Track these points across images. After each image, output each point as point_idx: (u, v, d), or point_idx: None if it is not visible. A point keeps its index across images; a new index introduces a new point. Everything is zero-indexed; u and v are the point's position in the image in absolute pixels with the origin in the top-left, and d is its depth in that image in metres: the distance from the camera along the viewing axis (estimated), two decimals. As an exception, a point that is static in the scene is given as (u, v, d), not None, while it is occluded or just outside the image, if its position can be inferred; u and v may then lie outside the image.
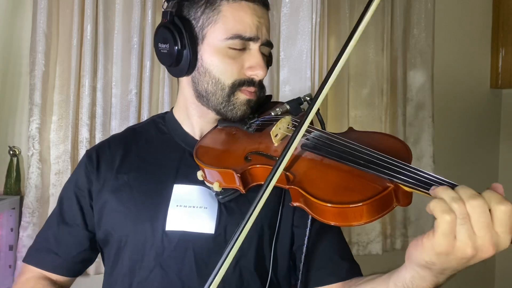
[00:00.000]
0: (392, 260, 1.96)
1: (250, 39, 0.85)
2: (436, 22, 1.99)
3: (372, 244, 1.93)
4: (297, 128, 0.70)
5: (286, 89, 1.80)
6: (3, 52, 1.67)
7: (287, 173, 0.72)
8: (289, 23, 1.80)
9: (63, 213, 0.97)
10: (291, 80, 1.80)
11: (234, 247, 0.64)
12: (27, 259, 0.97)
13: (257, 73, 0.86)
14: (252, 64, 0.86)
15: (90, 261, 1.00)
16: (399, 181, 0.60)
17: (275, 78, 1.78)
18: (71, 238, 0.95)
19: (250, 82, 0.87)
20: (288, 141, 0.69)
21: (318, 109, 0.87)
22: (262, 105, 0.95)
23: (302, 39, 1.79)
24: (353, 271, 0.87)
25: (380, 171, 0.62)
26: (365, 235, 1.94)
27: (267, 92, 0.97)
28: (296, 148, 0.77)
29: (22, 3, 1.67)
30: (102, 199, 0.92)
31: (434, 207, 0.54)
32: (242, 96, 0.87)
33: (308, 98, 0.90)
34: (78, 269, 0.98)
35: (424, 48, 1.98)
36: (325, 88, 0.68)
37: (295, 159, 0.75)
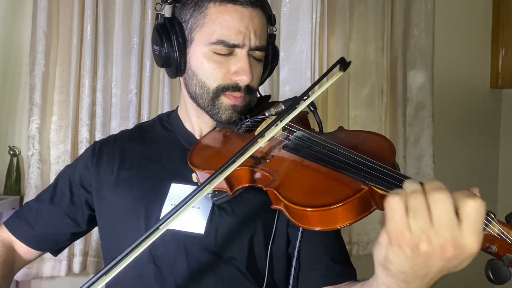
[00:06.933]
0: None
1: (235, 45, 0.84)
2: (436, 22, 1.99)
3: (372, 244, 1.93)
4: (255, 137, 0.71)
5: (286, 89, 1.80)
6: (3, 52, 1.67)
7: (267, 174, 0.72)
8: (289, 23, 1.80)
9: (53, 192, 1.01)
10: (291, 80, 1.80)
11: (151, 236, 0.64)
12: (6, 223, 1.02)
13: (242, 79, 0.85)
14: (237, 69, 0.85)
15: (61, 243, 1.03)
16: (371, 183, 0.59)
17: (275, 78, 1.77)
18: (50, 217, 0.99)
19: (235, 87, 0.86)
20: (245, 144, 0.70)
21: (316, 109, 0.87)
22: (260, 105, 0.95)
23: (302, 39, 1.79)
24: (346, 275, 0.84)
25: (353, 173, 0.62)
26: (365, 235, 1.94)
27: (267, 92, 0.97)
28: (279, 149, 0.77)
29: (22, 3, 1.67)
30: (101, 194, 0.94)
31: (387, 197, 0.52)
32: (226, 100, 0.87)
33: (305, 98, 0.89)
34: (47, 246, 1.01)
35: (424, 48, 1.98)
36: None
37: (276, 159, 0.75)
